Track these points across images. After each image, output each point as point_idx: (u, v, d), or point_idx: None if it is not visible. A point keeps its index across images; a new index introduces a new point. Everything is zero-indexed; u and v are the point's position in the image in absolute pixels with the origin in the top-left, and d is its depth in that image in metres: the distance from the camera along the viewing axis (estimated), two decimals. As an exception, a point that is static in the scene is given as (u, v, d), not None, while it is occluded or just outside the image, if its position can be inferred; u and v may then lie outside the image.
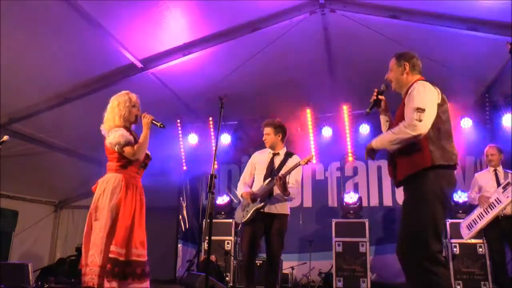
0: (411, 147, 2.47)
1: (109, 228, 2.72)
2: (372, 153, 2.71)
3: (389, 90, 2.82)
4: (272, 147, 4.07)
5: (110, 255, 2.63)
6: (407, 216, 2.49)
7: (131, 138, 2.88)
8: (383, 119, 2.88)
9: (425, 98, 2.46)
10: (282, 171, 3.84)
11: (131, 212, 2.81)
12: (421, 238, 2.35)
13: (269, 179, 3.87)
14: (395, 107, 2.79)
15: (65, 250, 7.40)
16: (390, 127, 2.79)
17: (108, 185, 2.82)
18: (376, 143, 2.66)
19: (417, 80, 2.63)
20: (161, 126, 2.96)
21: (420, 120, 2.38)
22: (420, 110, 2.40)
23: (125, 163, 2.88)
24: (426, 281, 2.29)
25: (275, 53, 5.11)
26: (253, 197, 3.85)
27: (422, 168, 2.42)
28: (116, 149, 2.84)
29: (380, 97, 2.79)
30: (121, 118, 2.95)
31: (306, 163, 3.84)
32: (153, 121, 2.96)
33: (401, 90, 2.73)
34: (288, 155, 4.04)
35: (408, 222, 2.47)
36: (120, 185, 2.81)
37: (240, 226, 4.09)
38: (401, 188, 2.65)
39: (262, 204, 3.80)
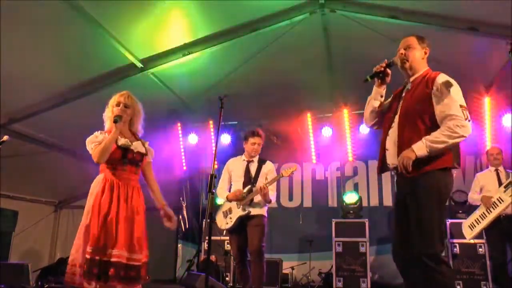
0: None
1: (85, 228, 2.69)
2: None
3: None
4: (254, 155, 4.24)
5: (87, 256, 2.60)
6: (416, 214, 2.39)
7: (98, 140, 2.83)
8: (378, 92, 2.68)
9: (461, 95, 2.38)
10: (260, 178, 4.10)
11: (110, 211, 2.71)
12: (429, 237, 2.32)
13: (249, 186, 4.08)
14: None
15: (65, 250, 7.40)
16: (380, 106, 2.70)
17: (93, 187, 2.85)
18: (421, 152, 2.33)
19: (436, 72, 2.51)
20: (115, 120, 2.84)
21: (468, 120, 2.32)
22: (464, 108, 2.33)
23: (107, 162, 2.84)
24: (431, 280, 2.27)
25: (275, 53, 5.11)
26: (241, 196, 4.02)
27: (440, 167, 2.37)
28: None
29: (387, 70, 2.61)
30: (108, 119, 2.98)
31: (289, 175, 4.08)
32: (113, 121, 2.85)
33: (410, 73, 2.60)
34: (262, 162, 4.26)
35: (417, 221, 2.38)
36: (98, 185, 2.80)
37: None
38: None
39: (246, 212, 4.00)
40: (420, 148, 2.34)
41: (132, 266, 2.67)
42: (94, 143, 2.83)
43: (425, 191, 2.37)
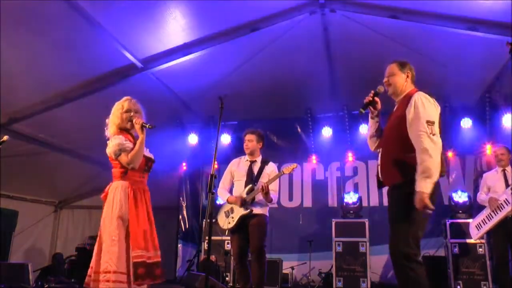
0: (410, 155, 2.54)
1: (125, 236, 2.77)
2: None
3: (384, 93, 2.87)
4: (251, 154, 4.25)
5: (137, 260, 2.70)
6: (396, 217, 2.60)
7: (128, 145, 2.87)
8: (372, 121, 2.91)
9: (431, 111, 2.56)
10: (262, 179, 4.09)
11: (145, 215, 2.87)
12: (402, 238, 2.50)
13: (250, 185, 4.09)
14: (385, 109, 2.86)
15: (65, 250, 7.40)
16: (377, 131, 2.90)
17: (116, 194, 2.84)
18: (429, 184, 2.42)
19: (416, 91, 2.71)
20: (150, 127, 2.91)
21: (433, 134, 2.48)
22: (430, 123, 2.50)
23: (127, 169, 2.88)
24: (404, 276, 2.46)
25: (275, 53, 5.11)
26: (242, 202, 4.02)
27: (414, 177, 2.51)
28: (114, 157, 2.89)
29: (376, 98, 2.82)
30: (115, 125, 3.00)
31: (290, 171, 4.08)
32: (143, 125, 2.92)
33: (397, 96, 2.82)
34: (264, 162, 4.26)
35: (395, 223, 2.59)
36: (127, 193, 2.83)
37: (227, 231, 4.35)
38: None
39: (248, 211, 3.99)
40: (422, 186, 2.41)
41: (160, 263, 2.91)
42: (124, 147, 2.85)
43: (404, 198, 2.52)
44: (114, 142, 2.88)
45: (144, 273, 2.71)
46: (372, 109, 2.85)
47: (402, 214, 2.54)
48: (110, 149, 2.89)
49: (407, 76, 2.80)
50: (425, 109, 2.55)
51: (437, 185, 2.57)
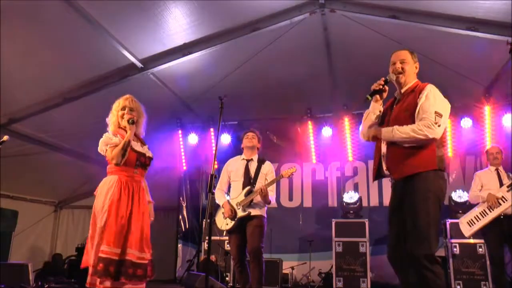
0: (423, 147, 2.55)
1: (101, 229, 2.72)
2: (375, 139, 2.73)
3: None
4: (251, 149, 4.25)
5: (101, 255, 2.64)
6: (411, 214, 2.50)
7: (114, 141, 2.88)
8: (376, 108, 2.81)
9: (442, 104, 2.57)
10: (259, 179, 4.11)
11: (126, 212, 2.79)
12: (424, 236, 2.42)
13: (248, 188, 4.09)
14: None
15: (65, 250, 7.41)
16: (378, 119, 2.83)
17: (103, 188, 2.86)
18: (386, 134, 2.62)
19: (427, 83, 2.67)
20: (131, 123, 2.92)
21: (438, 125, 2.49)
22: (439, 114, 2.52)
23: (118, 164, 2.88)
24: (424, 278, 2.38)
25: (275, 53, 5.11)
26: (233, 216, 4.03)
27: (428, 169, 2.51)
28: (103, 154, 2.93)
29: (385, 87, 2.74)
30: (112, 124, 3.03)
31: (289, 176, 4.09)
32: (128, 121, 2.92)
33: (404, 85, 2.75)
34: (261, 161, 4.26)
35: (414, 223, 2.48)
36: (113, 186, 2.82)
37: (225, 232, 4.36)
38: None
39: (246, 213, 4.01)
40: (387, 131, 2.61)
41: (140, 264, 2.77)
42: (110, 145, 2.87)
43: (421, 193, 2.49)
44: (102, 139, 2.92)
45: (104, 270, 2.59)
46: (378, 97, 2.78)
47: (427, 210, 2.46)
48: (99, 146, 2.93)
49: (416, 68, 2.77)
50: (437, 100, 2.56)
51: (444, 183, 2.58)
